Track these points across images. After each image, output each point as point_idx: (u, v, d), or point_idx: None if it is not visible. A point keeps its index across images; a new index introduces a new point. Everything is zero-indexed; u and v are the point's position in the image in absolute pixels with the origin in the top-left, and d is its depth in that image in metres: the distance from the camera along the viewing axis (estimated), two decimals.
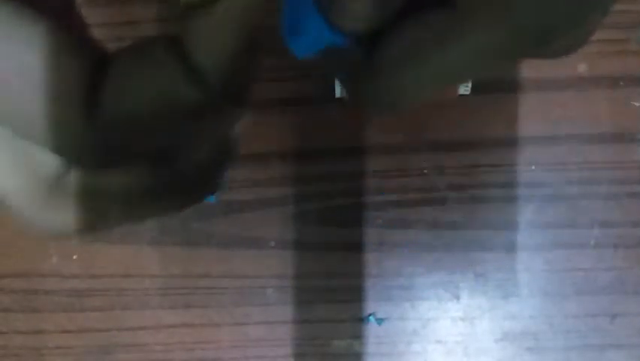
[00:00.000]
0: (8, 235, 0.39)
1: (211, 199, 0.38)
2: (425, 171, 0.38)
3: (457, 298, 0.38)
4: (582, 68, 0.37)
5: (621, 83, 0.37)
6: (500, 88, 0.37)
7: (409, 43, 0.17)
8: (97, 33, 0.36)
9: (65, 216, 0.18)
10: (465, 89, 0.35)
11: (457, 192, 0.38)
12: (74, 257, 0.39)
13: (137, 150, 0.18)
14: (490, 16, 0.15)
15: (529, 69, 0.37)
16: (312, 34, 0.18)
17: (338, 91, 0.35)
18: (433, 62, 0.16)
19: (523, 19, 0.15)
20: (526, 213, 0.38)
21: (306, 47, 0.18)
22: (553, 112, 0.37)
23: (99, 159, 0.17)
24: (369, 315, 0.38)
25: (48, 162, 0.17)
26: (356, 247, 0.38)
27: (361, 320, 0.38)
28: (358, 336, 0.38)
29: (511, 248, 0.38)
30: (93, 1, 0.38)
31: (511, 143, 0.37)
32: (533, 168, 0.37)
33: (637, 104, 0.37)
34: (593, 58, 0.37)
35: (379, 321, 0.38)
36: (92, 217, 0.18)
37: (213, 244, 0.38)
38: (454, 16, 0.16)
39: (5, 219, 0.39)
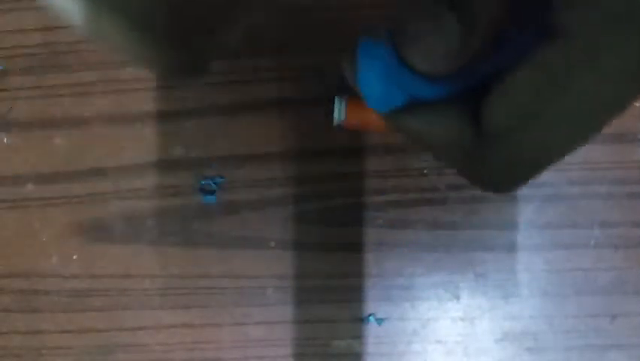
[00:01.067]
0: (8, 234, 0.39)
1: (211, 199, 0.38)
2: (425, 171, 0.38)
3: (457, 298, 0.38)
4: None
5: None
6: None
7: (526, 92, 0.13)
8: None
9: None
10: None
11: (457, 192, 0.38)
12: (74, 257, 0.39)
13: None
14: (616, 34, 0.12)
15: None
16: (392, 85, 0.16)
17: (337, 115, 0.35)
18: (563, 103, 0.13)
19: None
20: (526, 213, 0.38)
21: (387, 101, 0.16)
22: None
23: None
24: (369, 315, 0.38)
25: None
26: (356, 247, 0.38)
27: (361, 320, 0.38)
28: (358, 336, 0.38)
29: (511, 248, 0.38)
30: None
31: None
32: None
33: (637, 104, 0.37)
34: None
35: (379, 321, 0.38)
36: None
37: (213, 244, 0.38)
38: (572, 45, 0.12)
39: (5, 219, 0.39)
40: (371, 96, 0.16)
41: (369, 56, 0.16)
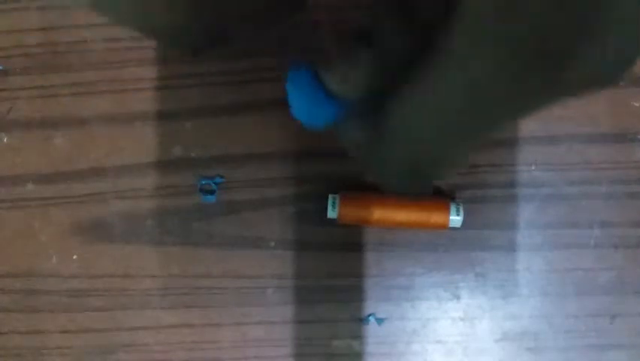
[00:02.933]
0: (8, 234, 0.39)
1: (211, 199, 0.38)
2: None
3: (457, 298, 0.38)
4: None
5: (621, 83, 0.37)
6: None
7: (411, 102, 0.17)
8: (96, 33, 0.36)
9: None
10: (456, 219, 0.36)
11: (457, 192, 0.38)
12: (74, 257, 0.39)
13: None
14: (478, 49, 0.15)
15: None
16: (317, 109, 0.19)
17: (330, 212, 0.36)
18: (431, 98, 0.16)
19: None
20: (526, 213, 0.38)
21: (314, 120, 0.19)
22: (553, 112, 0.37)
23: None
24: (369, 315, 0.38)
25: None
26: (356, 247, 0.38)
27: (361, 320, 0.38)
28: (358, 336, 0.38)
29: (511, 248, 0.38)
30: None
31: (511, 143, 0.38)
32: (533, 168, 0.38)
33: (637, 104, 0.37)
34: None
35: (379, 321, 0.38)
36: None
37: (213, 244, 0.38)
38: (443, 56, 0.16)
39: (5, 219, 0.39)
40: (298, 115, 0.19)
41: (296, 84, 0.19)
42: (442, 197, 0.37)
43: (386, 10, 0.17)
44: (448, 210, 0.36)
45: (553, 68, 0.15)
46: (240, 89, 0.38)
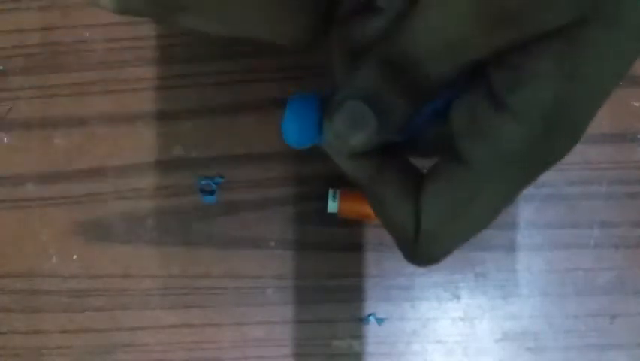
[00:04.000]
0: (8, 234, 0.39)
1: (211, 199, 0.38)
2: (425, 171, 0.38)
3: (457, 298, 0.38)
4: None
5: (621, 83, 0.37)
6: None
7: (446, 213, 0.18)
8: (96, 33, 0.36)
9: None
10: None
11: None
12: (74, 257, 0.39)
13: None
14: (503, 173, 0.17)
15: None
16: (307, 135, 0.19)
17: (330, 206, 0.36)
18: (469, 223, 0.19)
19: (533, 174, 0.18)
20: (526, 213, 0.38)
21: (301, 143, 0.19)
22: None
23: None
24: (369, 315, 0.38)
25: None
26: (356, 247, 0.38)
27: (361, 320, 0.38)
28: (358, 336, 0.38)
29: (511, 248, 0.38)
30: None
31: None
32: None
33: (637, 104, 0.37)
34: None
35: (379, 321, 0.38)
36: None
37: (213, 244, 0.38)
38: (472, 174, 0.18)
39: (5, 219, 0.39)
40: (288, 139, 0.19)
41: (295, 111, 0.18)
42: None
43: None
44: None
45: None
46: (240, 89, 0.38)
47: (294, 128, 0.18)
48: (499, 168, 0.17)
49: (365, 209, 0.36)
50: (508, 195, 0.18)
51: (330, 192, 0.36)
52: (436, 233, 0.19)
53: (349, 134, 0.17)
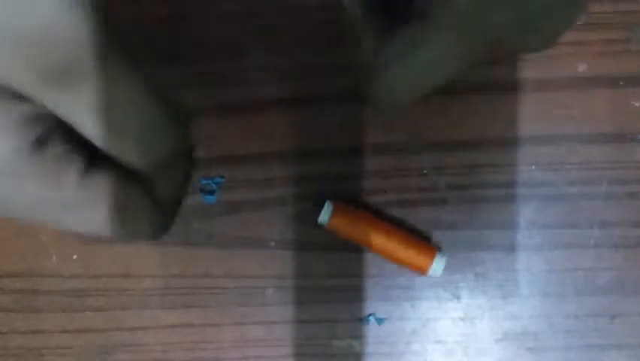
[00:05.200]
0: (8, 235, 0.39)
1: (211, 199, 0.38)
2: (425, 171, 0.38)
3: (457, 298, 0.38)
4: (582, 68, 0.37)
5: (621, 83, 0.37)
6: (500, 88, 0.37)
7: (396, 48, 0.21)
8: None
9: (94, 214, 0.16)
10: (437, 269, 0.36)
11: (457, 192, 0.38)
12: (74, 257, 0.39)
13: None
14: (450, 26, 0.20)
15: (529, 69, 0.37)
16: None
17: (322, 216, 0.36)
18: (411, 60, 0.21)
19: (476, 28, 0.20)
20: (526, 213, 0.38)
21: None
22: (553, 112, 0.37)
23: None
24: (369, 315, 0.38)
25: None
26: (356, 247, 0.38)
27: (361, 320, 0.38)
28: (358, 336, 0.38)
29: (511, 248, 0.38)
30: None
31: (511, 143, 0.38)
32: (533, 168, 0.38)
33: (637, 104, 0.37)
34: (593, 58, 0.37)
35: (379, 321, 0.38)
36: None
37: (213, 244, 0.38)
38: (426, 25, 0.21)
39: (5, 220, 0.39)
40: None
41: None
42: (430, 245, 0.37)
43: None
44: (432, 258, 0.36)
45: None
46: (240, 89, 0.38)
47: None
48: (451, 23, 0.20)
49: (352, 231, 0.36)
50: (451, 52, 0.21)
51: (327, 203, 0.36)
52: (391, 66, 0.22)
53: None
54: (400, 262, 0.36)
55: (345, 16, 0.23)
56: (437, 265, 0.36)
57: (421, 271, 0.36)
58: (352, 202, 0.38)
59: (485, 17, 0.20)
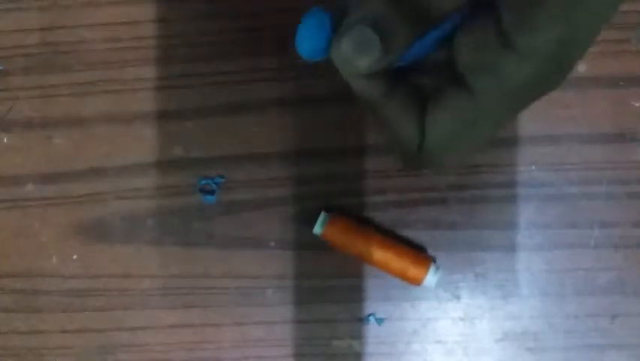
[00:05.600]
0: (8, 235, 0.39)
1: (211, 199, 0.38)
2: (425, 171, 0.38)
3: (457, 298, 0.38)
4: (582, 68, 0.37)
5: (621, 83, 0.37)
6: None
7: (447, 133, 0.20)
8: (96, 33, 0.36)
9: None
10: (431, 280, 0.36)
11: (457, 192, 0.38)
12: (74, 257, 0.39)
13: None
14: (502, 103, 0.19)
15: None
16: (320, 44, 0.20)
17: (317, 227, 0.36)
18: (467, 142, 0.21)
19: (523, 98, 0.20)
20: (526, 213, 0.38)
21: (314, 55, 0.20)
22: (553, 112, 0.37)
23: None
24: (369, 315, 0.38)
25: None
26: None
27: (361, 320, 0.38)
28: (358, 336, 0.38)
29: (511, 248, 0.38)
30: (93, 2, 0.38)
31: (511, 143, 0.38)
32: (533, 168, 0.37)
33: (637, 104, 0.37)
34: (593, 58, 0.37)
35: (379, 321, 0.38)
36: None
37: (213, 244, 0.38)
38: (474, 102, 0.19)
39: (5, 219, 0.39)
40: (300, 50, 0.20)
41: (309, 24, 0.19)
42: (425, 255, 0.37)
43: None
44: (427, 269, 0.36)
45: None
46: (240, 89, 0.38)
47: (306, 41, 0.20)
48: (500, 99, 0.19)
49: (347, 243, 0.36)
50: (502, 121, 0.21)
51: (322, 214, 0.37)
52: (435, 149, 0.21)
53: (355, 57, 0.18)
54: (394, 273, 0.36)
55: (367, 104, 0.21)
56: (431, 277, 0.36)
57: (416, 282, 0.36)
58: (350, 210, 0.38)
59: (538, 89, 0.20)
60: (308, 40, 0.20)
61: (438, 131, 0.20)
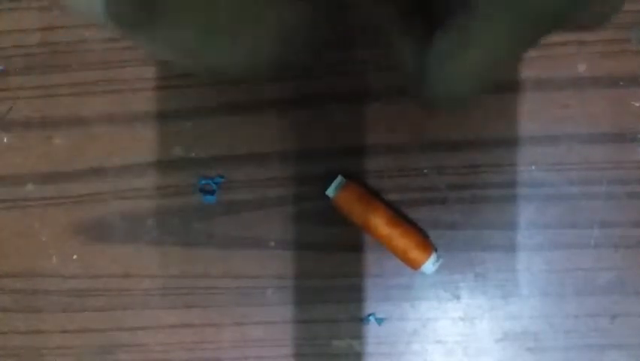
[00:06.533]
0: (8, 234, 0.39)
1: (211, 199, 0.38)
2: (425, 171, 0.38)
3: (457, 298, 0.38)
4: (582, 68, 0.37)
5: (621, 83, 0.37)
6: (500, 88, 0.37)
7: (447, 45, 0.21)
8: (96, 33, 0.36)
9: None
10: (429, 267, 0.36)
11: (457, 192, 0.38)
12: (74, 257, 0.39)
13: None
14: (500, 14, 0.19)
15: (529, 69, 0.37)
16: None
17: (331, 190, 0.37)
18: (465, 59, 0.20)
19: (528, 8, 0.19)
20: (526, 213, 0.38)
21: None
22: (553, 112, 0.37)
23: None
24: (369, 315, 0.38)
25: None
26: (356, 247, 0.38)
27: (361, 320, 0.38)
28: (358, 336, 0.38)
29: (511, 248, 0.38)
30: None
31: (511, 143, 0.38)
32: (533, 168, 0.38)
33: (637, 104, 0.37)
34: (593, 58, 0.37)
35: (379, 321, 0.38)
36: None
37: (213, 244, 0.38)
38: (473, 20, 0.20)
39: (5, 219, 0.39)
40: None
41: None
42: (430, 242, 0.37)
43: None
44: (428, 255, 0.36)
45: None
46: (240, 89, 0.38)
47: None
48: (500, 12, 0.19)
49: (357, 210, 0.36)
50: (519, 48, 0.20)
51: (339, 177, 0.37)
52: (455, 80, 0.21)
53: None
54: (396, 251, 0.36)
55: (380, 30, 0.22)
56: (430, 263, 0.36)
57: (415, 265, 0.36)
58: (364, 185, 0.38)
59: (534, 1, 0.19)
60: None
61: (442, 47, 0.21)
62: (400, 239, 0.36)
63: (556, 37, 0.36)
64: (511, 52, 0.20)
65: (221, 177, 0.38)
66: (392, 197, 0.38)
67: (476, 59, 0.20)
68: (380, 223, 0.36)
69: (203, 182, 0.38)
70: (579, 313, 0.38)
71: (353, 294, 0.38)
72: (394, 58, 0.23)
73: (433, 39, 0.21)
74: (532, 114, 0.37)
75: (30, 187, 0.39)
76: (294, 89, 0.38)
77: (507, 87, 0.37)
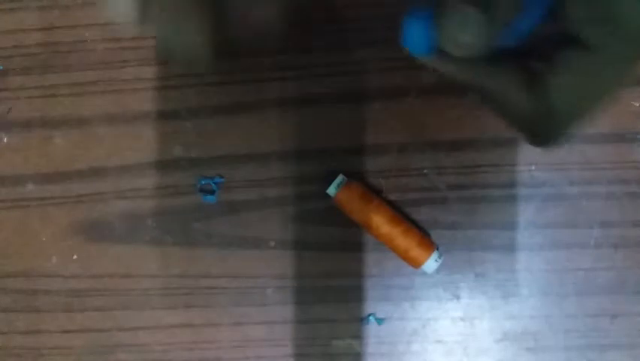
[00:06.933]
0: (8, 235, 0.39)
1: (211, 199, 0.38)
2: (425, 171, 0.38)
3: (457, 298, 0.38)
4: None
5: None
6: None
7: (574, 94, 0.20)
8: (96, 33, 0.36)
9: None
10: (431, 265, 0.36)
11: (457, 192, 0.38)
12: (74, 257, 0.39)
13: None
14: (623, 51, 0.19)
15: None
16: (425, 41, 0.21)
17: (331, 189, 0.37)
18: (584, 95, 0.20)
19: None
20: (526, 213, 0.38)
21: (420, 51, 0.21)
22: None
23: None
24: (369, 315, 0.38)
25: None
26: (356, 247, 0.38)
27: (361, 320, 0.38)
28: (358, 336, 0.38)
29: (511, 248, 0.38)
30: (93, 2, 0.38)
31: (511, 143, 0.38)
32: (533, 168, 0.38)
33: (637, 104, 0.37)
34: None
35: (379, 321, 0.38)
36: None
37: (213, 244, 0.38)
38: (595, 56, 0.19)
39: (5, 220, 0.39)
40: (410, 47, 0.21)
41: (414, 21, 0.20)
42: (431, 241, 0.37)
43: None
44: (430, 254, 0.36)
45: None
46: (240, 89, 0.38)
47: (412, 39, 0.21)
48: (620, 46, 0.19)
49: (357, 208, 0.36)
50: (626, 71, 0.20)
51: (340, 176, 0.37)
52: (562, 113, 0.21)
53: (458, 34, 0.19)
54: (397, 250, 0.36)
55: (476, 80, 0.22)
56: (432, 262, 0.36)
57: (416, 263, 0.36)
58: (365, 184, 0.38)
59: None
60: (414, 39, 0.21)
61: (565, 94, 0.20)
62: (402, 238, 0.36)
63: None
64: (622, 85, 0.21)
65: (221, 177, 0.38)
66: (392, 197, 0.38)
67: (591, 96, 0.20)
68: (381, 222, 0.36)
69: (203, 182, 0.38)
70: (579, 313, 0.38)
71: (353, 294, 0.38)
72: (503, 109, 0.22)
73: (546, 77, 0.21)
74: None
75: (30, 187, 0.39)
76: (294, 89, 0.38)
77: None
